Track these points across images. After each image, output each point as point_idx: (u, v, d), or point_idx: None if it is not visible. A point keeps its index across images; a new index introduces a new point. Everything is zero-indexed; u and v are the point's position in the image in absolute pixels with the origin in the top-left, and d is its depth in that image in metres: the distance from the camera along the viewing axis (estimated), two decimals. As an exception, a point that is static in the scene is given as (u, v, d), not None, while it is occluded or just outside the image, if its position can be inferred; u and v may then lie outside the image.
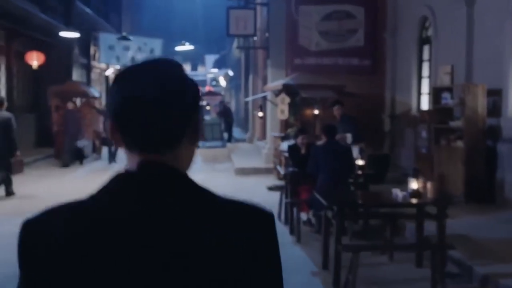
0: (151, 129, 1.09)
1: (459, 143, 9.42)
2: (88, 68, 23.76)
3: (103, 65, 25.77)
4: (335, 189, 6.85)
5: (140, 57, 21.78)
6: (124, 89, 1.12)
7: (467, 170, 9.06)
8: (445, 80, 11.27)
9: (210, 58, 60.15)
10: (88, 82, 23.34)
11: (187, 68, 76.86)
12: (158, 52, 21.46)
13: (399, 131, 14.25)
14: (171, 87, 1.11)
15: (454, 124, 9.65)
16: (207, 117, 25.83)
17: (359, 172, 8.08)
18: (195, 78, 1.22)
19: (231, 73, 43.60)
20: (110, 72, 27.33)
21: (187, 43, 32.93)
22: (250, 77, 24.27)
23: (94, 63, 24.48)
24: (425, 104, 13.04)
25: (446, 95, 9.97)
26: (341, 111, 9.92)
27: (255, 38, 19.19)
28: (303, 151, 8.03)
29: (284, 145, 10.62)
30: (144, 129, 1.09)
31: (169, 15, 59.49)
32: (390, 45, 14.71)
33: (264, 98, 15.73)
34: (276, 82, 13.74)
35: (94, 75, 25.13)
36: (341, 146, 7.46)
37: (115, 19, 28.85)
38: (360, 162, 8.13)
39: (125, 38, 20.86)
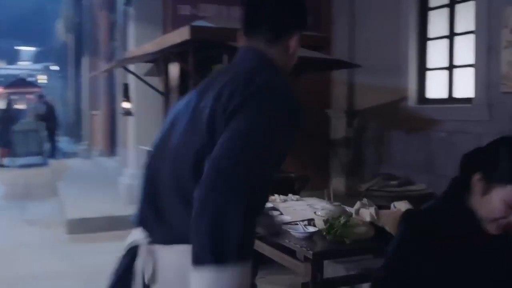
0: None
1: None
2: None
3: None
4: None
5: None
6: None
7: None
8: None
9: (27, 52, 49.76)
10: None
11: (2, 64, 65.42)
12: None
13: (371, 141, 7.91)
14: None
15: None
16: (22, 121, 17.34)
17: None
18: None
19: (55, 67, 35.08)
20: None
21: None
22: (85, 61, 16.52)
23: None
24: (437, 90, 6.83)
25: None
26: None
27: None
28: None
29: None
30: None
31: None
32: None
33: (131, 75, 7.83)
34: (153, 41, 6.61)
35: None
36: None
37: None
38: None
39: None
